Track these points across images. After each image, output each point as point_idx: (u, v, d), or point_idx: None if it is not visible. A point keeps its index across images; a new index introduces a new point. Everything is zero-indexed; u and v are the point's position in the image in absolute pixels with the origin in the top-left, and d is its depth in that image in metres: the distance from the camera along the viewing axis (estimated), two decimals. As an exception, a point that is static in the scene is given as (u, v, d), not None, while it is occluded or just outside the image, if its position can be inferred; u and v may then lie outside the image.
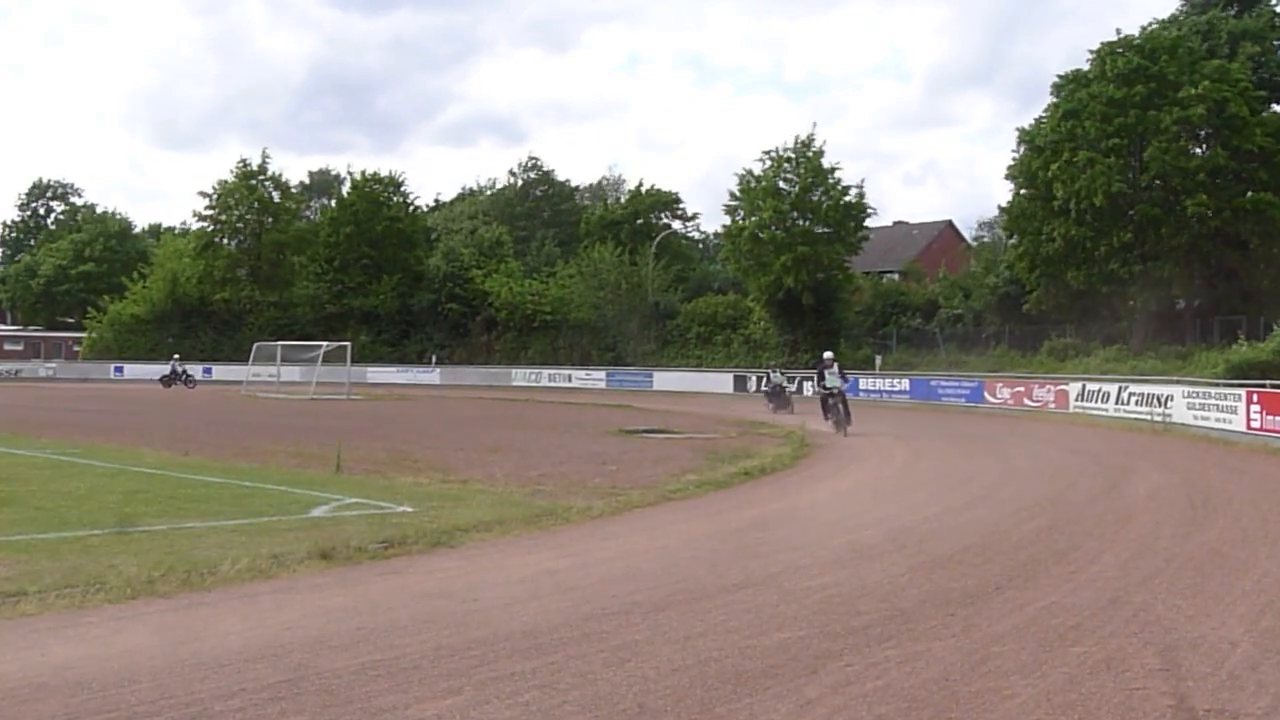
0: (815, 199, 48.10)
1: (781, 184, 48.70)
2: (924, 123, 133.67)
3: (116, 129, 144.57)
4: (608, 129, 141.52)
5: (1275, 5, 42.86)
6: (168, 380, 50.63)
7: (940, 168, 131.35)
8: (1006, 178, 43.26)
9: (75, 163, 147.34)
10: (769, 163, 49.13)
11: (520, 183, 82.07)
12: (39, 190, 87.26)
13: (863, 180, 49.84)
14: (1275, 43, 42.09)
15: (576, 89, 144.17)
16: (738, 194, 49.53)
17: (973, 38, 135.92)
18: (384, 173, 65.06)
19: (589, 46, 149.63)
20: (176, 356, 53.70)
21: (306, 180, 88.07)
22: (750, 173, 49.35)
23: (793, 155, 48.86)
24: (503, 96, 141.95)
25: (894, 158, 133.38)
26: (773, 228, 47.71)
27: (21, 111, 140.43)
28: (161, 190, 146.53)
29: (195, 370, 58.11)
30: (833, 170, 48.48)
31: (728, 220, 50.66)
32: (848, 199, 48.40)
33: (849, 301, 50.21)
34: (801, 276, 46.53)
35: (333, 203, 72.56)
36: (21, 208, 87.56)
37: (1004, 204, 43.96)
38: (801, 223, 47.70)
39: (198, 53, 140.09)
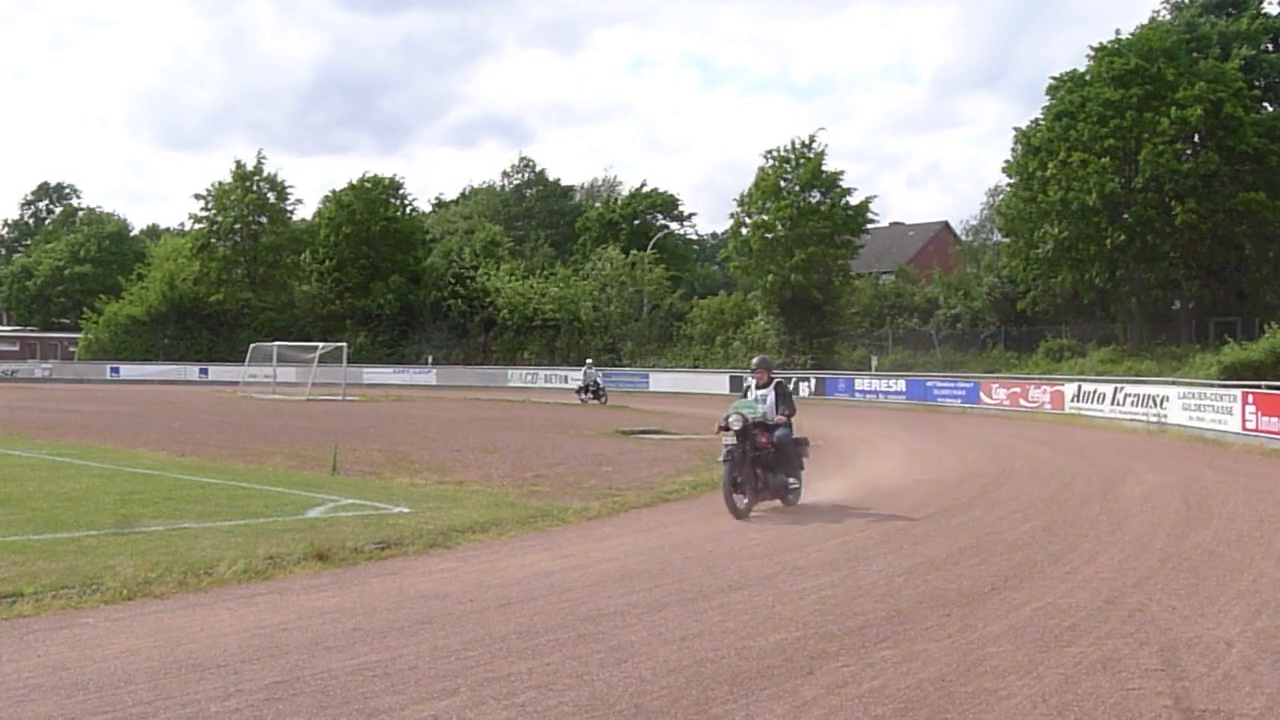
0: (814, 200, 48.20)
1: (783, 183, 48.76)
2: (931, 124, 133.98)
3: (120, 131, 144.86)
4: (613, 131, 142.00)
5: (1264, 6, 43.01)
6: (583, 392, 39.67)
7: (945, 169, 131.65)
8: (1004, 171, 43.55)
9: (79, 165, 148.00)
10: (773, 162, 49.20)
11: (513, 184, 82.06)
12: (44, 192, 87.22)
13: (868, 199, 49.66)
14: (1266, 45, 42.24)
15: (582, 91, 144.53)
16: (752, 193, 49.41)
17: (981, 39, 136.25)
18: (385, 175, 65.26)
19: (596, 48, 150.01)
20: (590, 361, 42.93)
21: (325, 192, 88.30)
22: (765, 172, 49.34)
23: (792, 156, 48.95)
24: (509, 98, 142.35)
25: (899, 159, 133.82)
26: (780, 226, 47.76)
27: (26, 114, 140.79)
28: (166, 192, 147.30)
29: (191, 371, 58.08)
30: (836, 176, 48.64)
31: (731, 220, 50.84)
32: (848, 200, 48.53)
33: (847, 302, 50.30)
34: (812, 276, 46.70)
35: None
36: (24, 206, 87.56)
37: (991, 189, 44.31)
38: (806, 224, 47.73)
39: (204, 54, 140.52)
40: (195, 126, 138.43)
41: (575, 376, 51.94)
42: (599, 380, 40.24)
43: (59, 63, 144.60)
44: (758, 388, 12.59)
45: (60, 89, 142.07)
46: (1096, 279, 39.19)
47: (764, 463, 12.02)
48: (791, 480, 12.38)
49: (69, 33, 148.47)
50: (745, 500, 11.85)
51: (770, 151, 49.33)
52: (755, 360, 12.97)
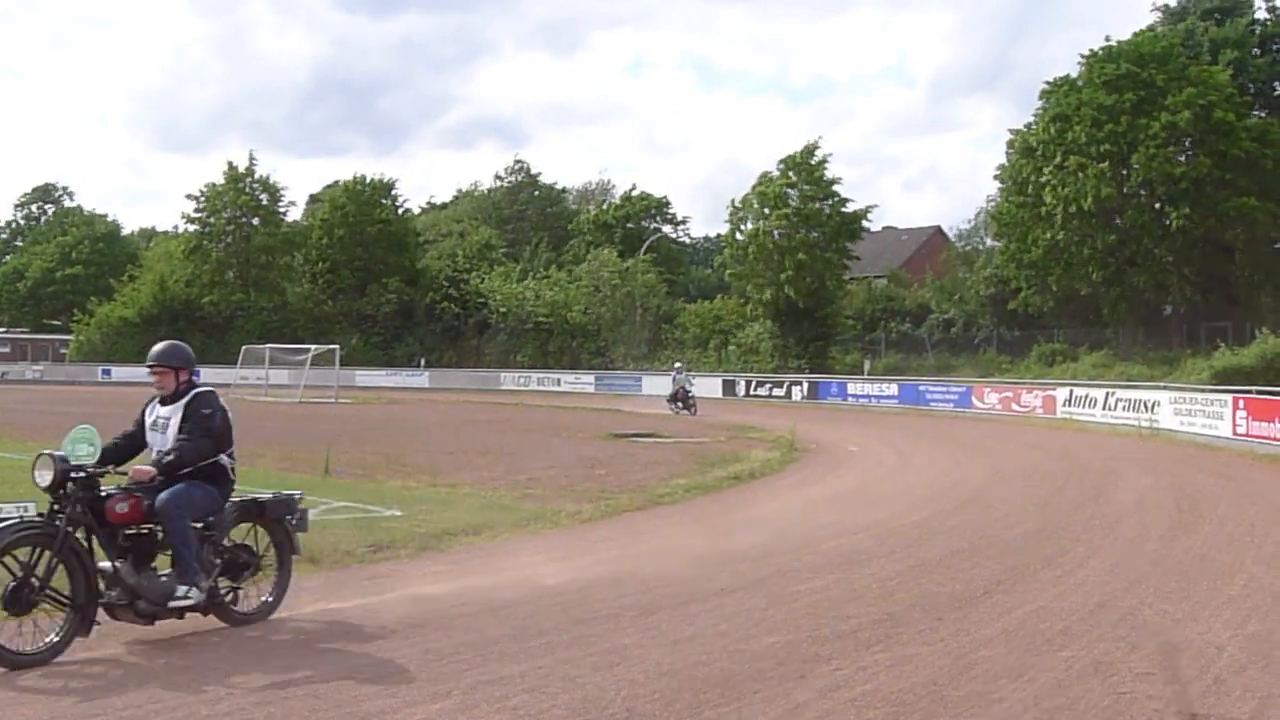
0: (816, 207, 48.31)
1: (787, 190, 48.84)
2: (928, 128, 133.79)
3: (120, 131, 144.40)
4: (611, 132, 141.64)
5: (1255, 13, 43.22)
6: (674, 400, 33.77)
7: (942, 173, 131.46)
8: (996, 178, 43.71)
9: (78, 165, 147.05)
10: (782, 169, 49.25)
11: (506, 186, 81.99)
12: (38, 193, 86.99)
13: (867, 207, 49.91)
14: (1254, 50, 42.41)
15: (581, 92, 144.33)
16: (749, 198, 49.38)
17: (978, 43, 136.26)
18: (381, 176, 65.21)
19: (595, 49, 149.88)
20: (679, 365, 37.77)
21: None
22: (769, 178, 49.32)
23: (797, 161, 49.03)
24: (506, 99, 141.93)
25: (896, 162, 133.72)
26: (776, 233, 47.83)
27: (25, 114, 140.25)
28: (164, 193, 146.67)
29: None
30: (834, 182, 48.82)
31: (729, 224, 50.79)
32: (844, 209, 48.68)
33: (840, 307, 50.36)
34: (805, 282, 46.73)
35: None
36: (18, 207, 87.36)
37: (988, 199, 44.50)
38: (804, 232, 47.81)
39: (203, 54, 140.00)
40: (194, 127, 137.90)
41: (569, 380, 51.92)
42: (689, 387, 33.80)
43: (59, 63, 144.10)
44: (163, 402, 6.99)
45: (60, 89, 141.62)
46: (1094, 274, 39.35)
47: (129, 550, 6.27)
48: (183, 591, 6.27)
49: (69, 33, 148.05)
50: (52, 638, 5.88)
51: (785, 159, 49.30)
52: (156, 349, 7.09)
